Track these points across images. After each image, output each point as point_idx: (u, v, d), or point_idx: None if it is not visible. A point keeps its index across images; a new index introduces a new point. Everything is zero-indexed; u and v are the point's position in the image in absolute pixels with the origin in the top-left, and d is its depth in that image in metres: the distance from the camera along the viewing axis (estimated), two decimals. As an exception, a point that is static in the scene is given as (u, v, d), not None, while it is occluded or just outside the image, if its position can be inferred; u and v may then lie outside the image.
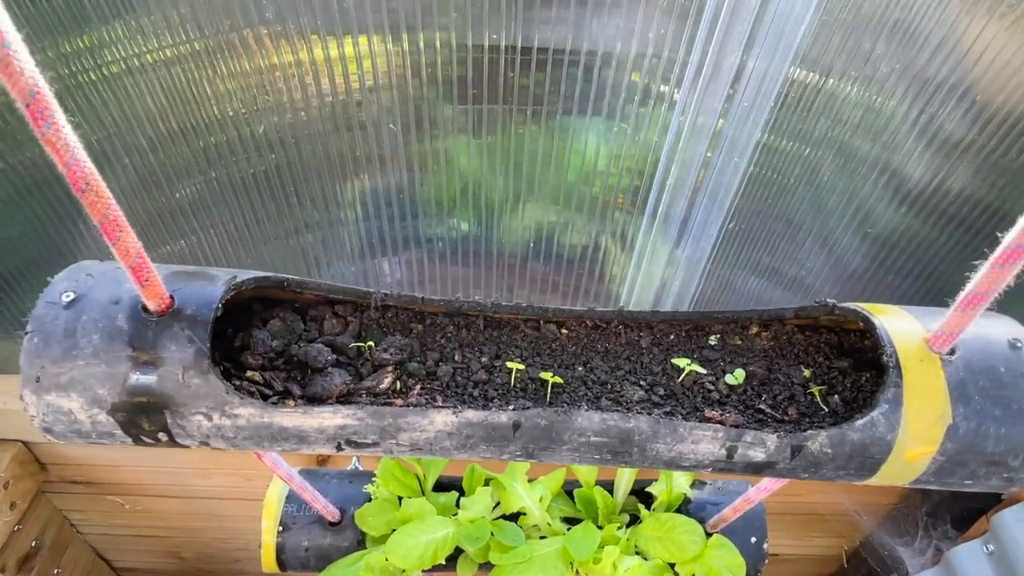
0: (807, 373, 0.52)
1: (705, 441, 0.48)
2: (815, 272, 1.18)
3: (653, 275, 1.22)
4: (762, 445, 0.48)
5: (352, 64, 0.92)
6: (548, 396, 0.50)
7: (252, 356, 0.50)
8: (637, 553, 0.78)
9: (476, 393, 0.50)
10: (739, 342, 0.54)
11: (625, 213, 1.14)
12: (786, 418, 0.50)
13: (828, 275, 1.17)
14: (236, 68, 0.90)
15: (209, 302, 0.47)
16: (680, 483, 0.83)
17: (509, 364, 0.51)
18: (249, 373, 0.49)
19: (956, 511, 1.00)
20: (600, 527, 0.79)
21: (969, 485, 0.50)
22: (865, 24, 0.85)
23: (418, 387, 0.50)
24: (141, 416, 0.47)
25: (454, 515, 0.79)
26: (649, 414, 0.48)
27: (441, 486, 0.86)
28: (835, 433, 0.47)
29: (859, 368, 0.53)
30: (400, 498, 0.82)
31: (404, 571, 0.74)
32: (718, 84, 0.93)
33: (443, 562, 0.75)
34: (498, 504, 0.82)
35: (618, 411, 0.48)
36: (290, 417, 0.47)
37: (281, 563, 0.81)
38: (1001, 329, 0.49)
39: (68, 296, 0.47)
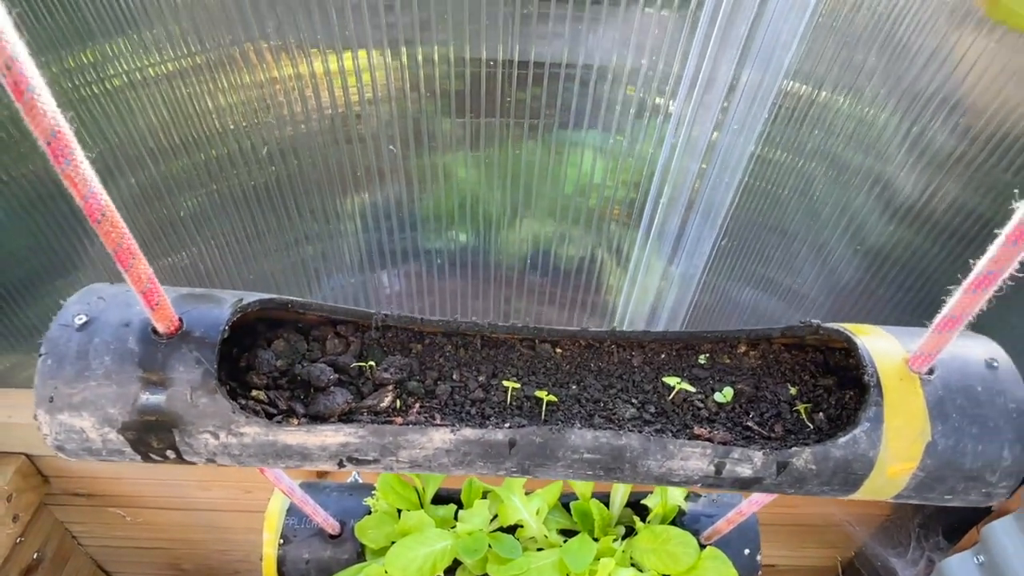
0: (793, 391, 0.55)
1: (694, 458, 0.50)
2: (810, 282, 1.20)
3: (648, 288, 1.25)
4: (749, 462, 0.50)
5: (352, 77, 0.94)
6: (543, 414, 0.52)
7: (257, 376, 0.52)
8: (632, 565, 0.80)
9: (473, 411, 0.52)
10: (728, 361, 0.56)
11: (621, 225, 1.16)
12: (772, 435, 0.52)
13: (823, 285, 1.19)
14: (237, 81, 0.92)
15: (216, 324, 0.49)
16: (675, 495, 0.85)
17: (505, 383, 0.53)
18: (254, 392, 0.51)
19: (947, 523, 1.02)
20: (596, 539, 0.81)
21: (949, 500, 0.52)
22: (857, 38, 0.88)
23: (417, 405, 0.52)
24: (150, 435, 0.49)
25: (452, 528, 0.81)
26: (640, 431, 0.50)
27: (440, 499, 0.88)
28: (819, 450, 0.49)
29: (843, 386, 0.55)
30: (399, 511, 0.84)
31: (403, 583, 0.76)
32: (712, 97, 0.96)
33: (441, 574, 0.77)
34: (496, 517, 0.84)
35: (610, 429, 0.50)
36: (294, 435, 0.49)
37: (282, 575, 0.83)
38: (979, 349, 0.52)
39: (81, 319, 0.49)
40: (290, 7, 0.85)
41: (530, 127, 1.03)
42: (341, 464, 0.51)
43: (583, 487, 0.87)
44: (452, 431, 0.49)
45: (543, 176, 1.09)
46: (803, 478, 0.50)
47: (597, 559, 0.77)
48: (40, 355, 0.49)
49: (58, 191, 1.00)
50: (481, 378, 0.54)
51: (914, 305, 1.12)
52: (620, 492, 0.87)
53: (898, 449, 0.49)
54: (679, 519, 0.86)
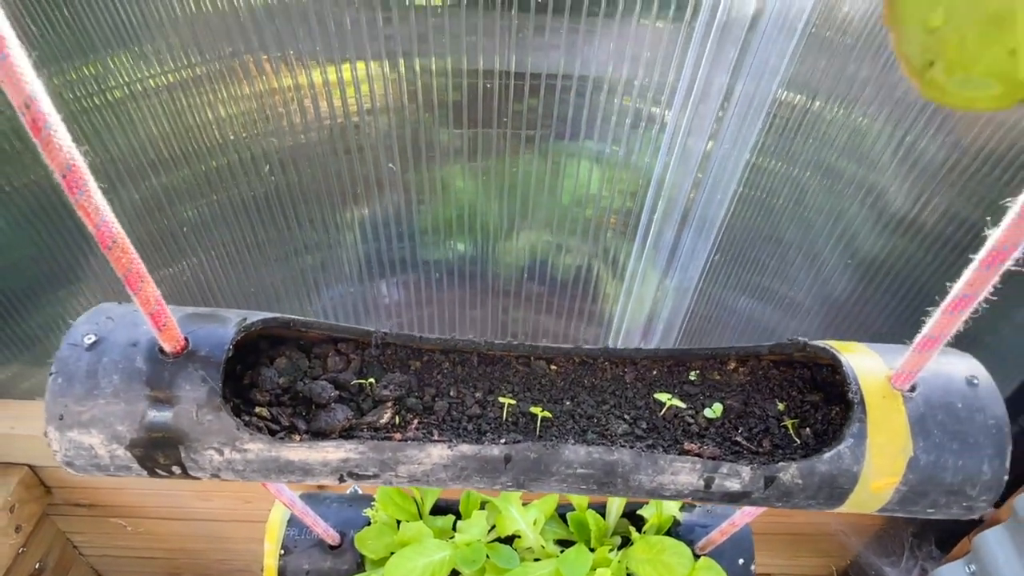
0: (781, 406, 0.57)
1: (684, 472, 0.52)
2: (804, 291, 1.22)
3: (645, 298, 1.27)
4: (737, 476, 0.52)
5: (350, 88, 0.96)
6: (538, 430, 0.54)
7: (260, 393, 0.54)
8: (628, 575, 0.82)
9: (470, 427, 0.54)
10: (718, 377, 0.59)
11: (618, 235, 1.18)
12: (760, 450, 0.54)
13: (817, 293, 1.21)
14: (237, 93, 0.95)
15: (221, 344, 0.51)
16: (670, 506, 0.87)
17: (501, 399, 0.55)
18: (257, 409, 0.54)
19: (940, 532, 1.04)
20: (592, 549, 0.83)
21: (932, 513, 0.54)
22: (849, 49, 0.90)
23: (416, 421, 0.54)
24: (157, 451, 0.51)
25: (451, 538, 0.83)
26: (632, 447, 0.52)
27: (438, 509, 0.90)
28: (805, 465, 0.51)
29: (830, 402, 0.57)
30: (398, 522, 0.86)
31: (402, 593, 0.78)
32: (707, 107, 0.98)
33: (440, 584, 0.79)
34: (493, 527, 0.86)
35: (603, 444, 0.52)
36: (296, 451, 0.51)
37: (282, 585, 0.85)
38: (960, 366, 0.54)
39: (90, 338, 0.51)
40: (289, 20, 0.87)
41: (527, 138, 1.05)
42: (342, 479, 0.53)
43: (579, 498, 0.89)
44: (449, 447, 0.51)
45: (540, 187, 1.11)
46: (790, 492, 0.52)
47: (593, 569, 0.79)
48: (50, 374, 0.51)
49: (60, 201, 1.01)
50: (478, 394, 0.56)
51: (908, 313, 1.14)
52: (616, 503, 0.89)
53: (881, 464, 0.51)
54: (674, 529, 0.88)
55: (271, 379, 0.55)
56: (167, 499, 1.20)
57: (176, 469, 0.52)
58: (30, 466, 1.11)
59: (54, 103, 0.37)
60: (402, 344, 0.59)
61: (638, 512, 0.90)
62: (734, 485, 0.52)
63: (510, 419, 0.55)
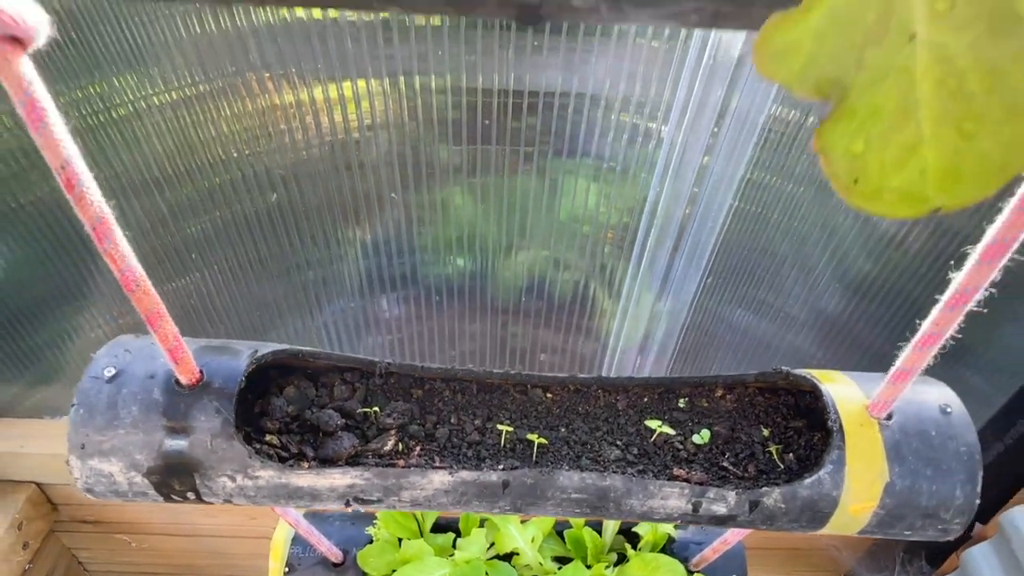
0: (766, 432, 0.60)
1: (673, 497, 0.55)
2: (800, 304, 1.25)
3: (642, 311, 1.30)
4: (723, 501, 0.55)
5: (351, 105, 1.00)
6: (534, 456, 0.58)
7: (270, 421, 0.58)
8: (624, 591, 0.85)
9: (470, 453, 0.58)
10: (706, 404, 0.62)
11: (616, 248, 1.22)
12: (746, 475, 0.58)
13: (812, 306, 1.25)
14: (239, 110, 0.98)
15: (234, 376, 0.55)
16: (665, 524, 0.90)
17: (499, 426, 0.59)
18: (268, 437, 0.57)
19: (930, 548, 1.07)
20: (589, 566, 0.86)
21: (909, 535, 0.57)
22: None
23: (418, 448, 0.58)
24: (173, 478, 0.54)
25: (451, 556, 0.87)
26: (623, 473, 0.56)
27: (439, 527, 0.94)
28: (787, 490, 0.55)
29: (812, 427, 0.61)
30: (400, 540, 0.89)
31: (404, 610, 0.81)
32: (703, 122, 1.01)
33: (440, 601, 0.82)
34: (492, 545, 0.89)
35: (596, 470, 0.56)
36: (305, 478, 0.54)
37: (286, 602, 0.88)
38: (934, 395, 0.57)
39: (110, 371, 0.55)
40: (292, 39, 0.90)
41: (526, 155, 1.09)
42: (348, 503, 0.56)
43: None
44: (450, 473, 0.55)
45: (538, 203, 1.14)
46: (773, 516, 0.56)
47: (589, 586, 0.82)
48: (72, 405, 0.54)
49: (66, 218, 1.05)
50: (477, 421, 0.60)
51: (903, 325, 1.17)
52: (612, 521, 0.93)
53: (859, 489, 0.54)
54: (669, 546, 0.91)
55: (280, 408, 0.58)
56: (172, 515, 1.23)
57: (191, 495, 0.56)
58: (37, 484, 1.14)
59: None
60: (404, 373, 0.62)
61: (634, 529, 0.93)
62: (720, 509, 0.55)
63: (508, 445, 0.59)
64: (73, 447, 0.54)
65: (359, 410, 0.59)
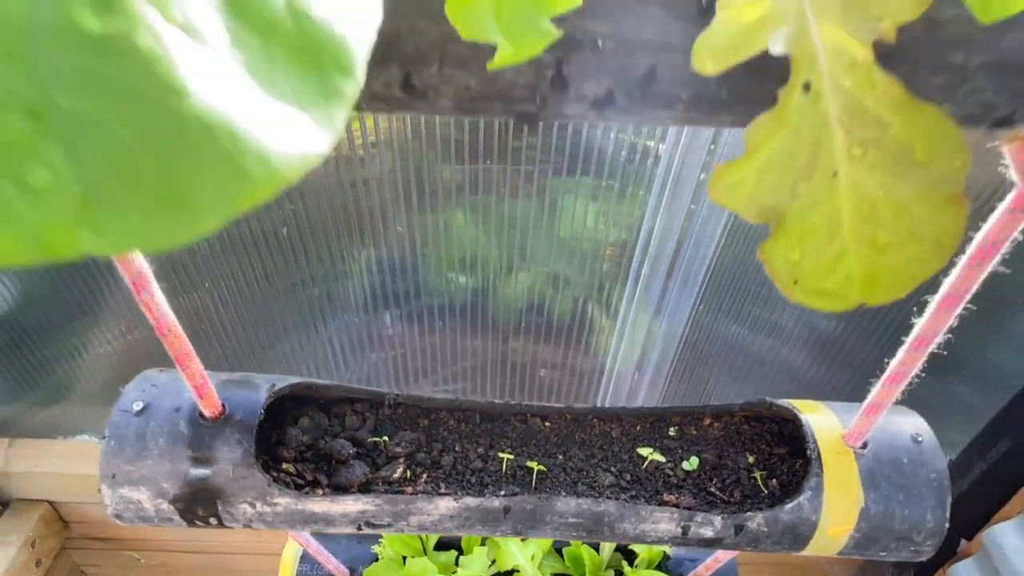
0: (751, 459, 0.65)
1: (663, 521, 0.60)
2: (793, 319, 1.30)
3: (638, 332, 1.35)
4: (711, 524, 0.60)
5: (355, 123, 1.05)
6: (533, 482, 0.62)
7: (286, 450, 0.62)
8: (620, 607, 0.89)
9: (473, 480, 0.62)
10: (695, 432, 0.67)
11: (614, 265, 1.26)
12: (732, 500, 0.62)
13: (807, 322, 1.29)
14: None
15: (254, 409, 0.60)
16: (660, 541, 0.95)
17: (501, 454, 0.64)
18: (284, 465, 0.62)
19: (918, 564, 1.11)
20: (587, 583, 0.91)
21: (884, 556, 0.62)
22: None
23: (425, 475, 0.62)
24: (197, 505, 0.59)
25: (454, 573, 0.91)
26: (617, 498, 0.60)
27: (442, 545, 0.98)
28: (770, 514, 0.59)
29: (794, 455, 0.65)
30: (404, 557, 0.93)
31: (409, 626, 0.86)
32: (700, 139, 1.06)
33: (444, 617, 0.87)
34: (494, 562, 0.94)
35: (591, 496, 0.61)
36: (320, 504, 0.59)
37: (295, 618, 0.93)
38: (907, 425, 0.62)
39: (138, 405, 0.60)
40: None
41: (526, 174, 1.13)
42: (359, 528, 0.61)
43: (575, 533, 0.97)
44: (455, 499, 0.59)
45: (539, 220, 1.19)
46: (757, 538, 0.60)
47: (587, 603, 0.86)
48: (104, 437, 0.59)
49: None
50: (480, 449, 0.65)
51: (895, 343, 1.21)
52: (609, 538, 0.97)
53: (836, 514, 0.59)
54: (664, 563, 0.96)
55: (296, 438, 0.63)
56: (181, 532, 1.27)
57: (213, 520, 0.60)
58: (50, 502, 1.19)
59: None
60: (411, 404, 0.67)
61: (630, 547, 0.97)
62: (708, 532, 0.60)
63: (509, 472, 0.63)
64: (104, 476, 0.58)
65: (369, 439, 0.64)
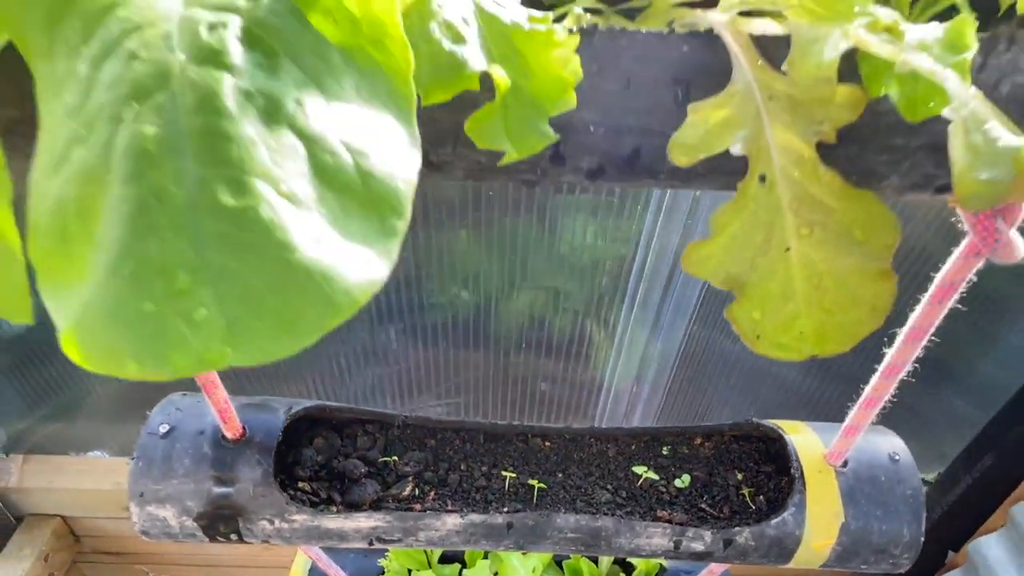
0: (740, 476, 0.69)
1: (657, 536, 0.64)
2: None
3: (635, 351, 1.40)
4: (701, 539, 0.64)
5: None
6: (535, 499, 0.67)
7: (302, 470, 0.67)
8: (618, 618, 0.94)
9: (478, 497, 0.67)
10: (686, 451, 0.71)
11: (613, 279, 1.31)
12: (721, 515, 0.67)
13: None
14: None
15: (273, 431, 0.64)
16: (656, 554, 0.99)
17: (504, 472, 0.68)
18: (300, 484, 0.66)
19: (908, 575, 1.16)
20: (586, 595, 0.95)
21: (865, 569, 0.66)
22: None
23: (432, 493, 0.67)
24: (219, 522, 0.63)
25: (458, 585, 0.95)
26: (613, 514, 0.65)
27: (446, 559, 1.02)
28: (756, 529, 0.64)
29: (780, 472, 0.70)
30: (410, 571, 0.98)
31: (415, 637, 0.90)
32: None
33: (449, 628, 0.91)
34: (496, 574, 0.98)
35: (589, 512, 0.65)
36: (335, 521, 0.63)
37: (304, 630, 0.97)
38: (885, 444, 0.67)
39: (164, 428, 0.64)
40: None
41: (527, 191, 1.18)
42: (371, 543, 0.66)
43: (574, 547, 1.01)
44: (461, 516, 0.64)
45: (540, 236, 1.24)
46: (745, 552, 0.65)
47: (586, 614, 0.90)
48: (133, 458, 0.63)
49: None
50: (484, 468, 0.69)
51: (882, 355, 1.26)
52: (608, 551, 1.01)
53: (819, 529, 0.63)
54: (660, 575, 1.00)
55: (311, 458, 0.67)
56: (190, 547, 1.31)
57: (233, 536, 0.65)
58: (63, 517, 1.23)
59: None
60: (419, 425, 0.71)
61: (628, 559, 1.02)
62: (699, 546, 0.65)
63: (511, 490, 0.68)
64: (133, 495, 0.63)
65: (380, 459, 0.69)
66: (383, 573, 0.98)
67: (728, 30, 0.30)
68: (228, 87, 0.17)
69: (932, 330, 0.51)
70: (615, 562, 1.03)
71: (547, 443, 0.72)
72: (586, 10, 0.34)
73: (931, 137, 0.34)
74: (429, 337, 1.40)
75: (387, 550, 1.01)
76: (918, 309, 0.51)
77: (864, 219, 0.27)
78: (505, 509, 0.65)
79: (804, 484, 0.64)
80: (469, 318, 1.37)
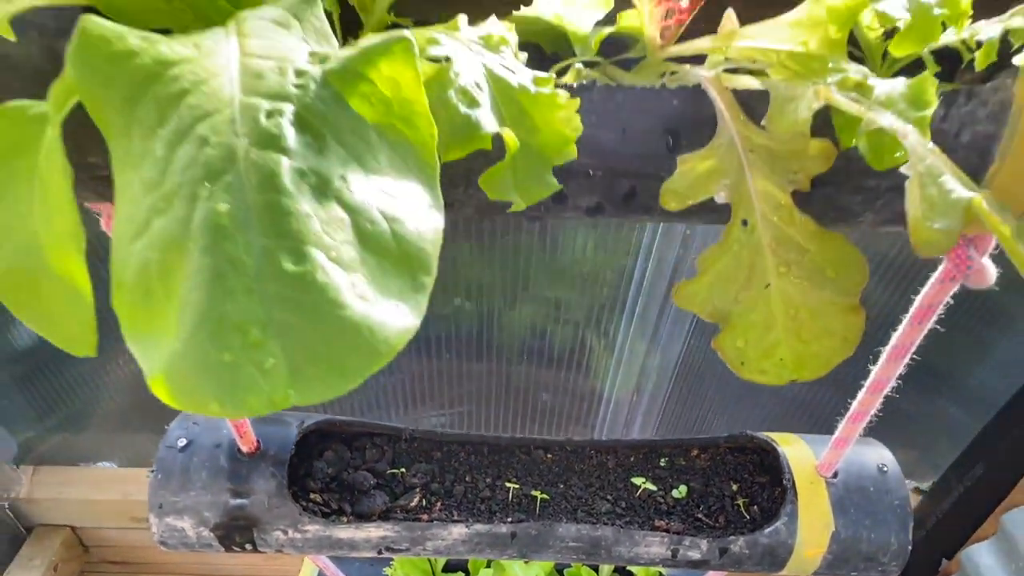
0: (735, 487, 0.73)
1: (655, 545, 0.67)
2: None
3: (635, 361, 1.43)
4: (698, 548, 0.67)
5: None
6: (537, 510, 0.70)
7: (313, 481, 0.70)
8: (619, 625, 0.97)
9: (483, 508, 0.70)
10: (683, 462, 0.75)
11: (613, 289, 1.35)
12: (717, 525, 0.70)
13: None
14: None
15: (286, 444, 0.67)
16: (656, 562, 1.02)
17: (507, 483, 0.71)
18: (312, 495, 0.69)
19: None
20: (587, 602, 0.98)
21: (855, 576, 0.69)
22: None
23: (439, 504, 0.70)
24: (235, 532, 0.66)
25: (461, 593, 0.98)
26: (613, 524, 0.68)
27: (450, 567, 1.05)
28: (750, 538, 0.67)
29: (773, 483, 0.73)
30: (415, 579, 1.00)
31: (420, 644, 0.93)
32: None
33: (453, 636, 0.94)
34: (499, 583, 1.01)
35: (589, 522, 0.68)
36: (345, 531, 0.67)
37: (311, 638, 1.00)
38: (873, 455, 0.70)
39: (182, 442, 0.67)
40: None
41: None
42: (380, 552, 0.69)
43: (575, 555, 1.04)
44: (467, 526, 0.67)
45: (541, 248, 1.27)
46: (740, 560, 0.68)
47: (587, 621, 0.93)
48: (152, 471, 0.67)
49: (96, 257, 1.17)
50: (488, 480, 0.72)
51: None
52: (608, 559, 1.04)
53: (810, 538, 0.67)
54: (660, 583, 1.03)
55: (322, 471, 0.70)
56: (197, 555, 1.34)
57: (248, 546, 0.68)
58: (72, 527, 1.26)
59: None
60: (426, 438, 0.75)
61: (628, 567, 1.04)
62: (695, 555, 0.68)
63: (515, 500, 0.71)
64: (152, 507, 0.66)
65: (388, 471, 0.72)
66: (388, 582, 1.01)
67: (713, 86, 0.33)
68: (285, 168, 0.21)
69: (913, 348, 0.55)
70: (615, 570, 1.06)
71: (549, 455, 0.75)
72: (585, 64, 0.38)
73: (899, 179, 0.38)
74: (432, 348, 1.43)
75: (392, 559, 1.04)
76: (900, 329, 0.54)
77: (836, 259, 0.30)
78: (509, 519, 0.68)
79: (796, 495, 0.67)
80: (472, 329, 1.41)
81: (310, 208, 0.20)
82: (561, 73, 0.39)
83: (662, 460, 0.75)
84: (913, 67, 0.40)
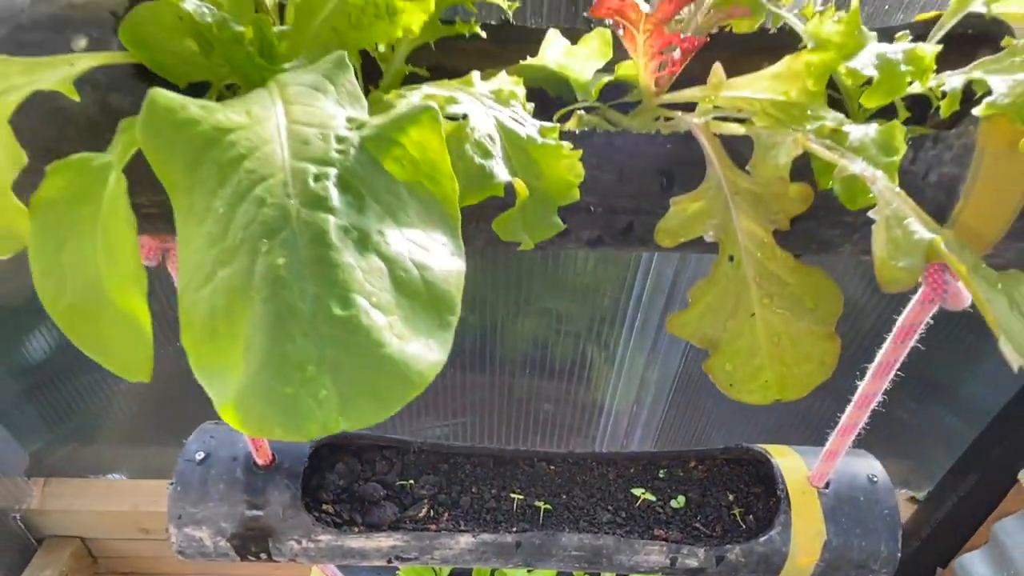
0: (731, 497, 0.76)
1: (654, 553, 0.71)
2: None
3: (635, 373, 1.46)
4: (695, 556, 0.71)
5: None
6: (541, 520, 0.73)
7: (325, 493, 0.73)
8: (620, 633, 0.99)
9: (488, 518, 0.73)
10: (681, 473, 0.78)
11: (613, 303, 1.38)
12: (714, 534, 0.73)
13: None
14: None
15: (300, 458, 0.71)
16: (656, 571, 1.05)
17: (512, 494, 0.75)
18: (324, 506, 0.73)
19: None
20: (589, 611, 1.01)
21: (847, 583, 0.73)
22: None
23: (446, 515, 0.73)
24: (251, 542, 0.70)
25: (466, 602, 1.01)
26: (614, 534, 0.71)
27: (455, 575, 1.08)
28: (746, 547, 0.70)
29: (768, 494, 0.76)
30: (420, 588, 1.03)
31: (426, 652, 0.95)
32: None
33: (458, 644, 0.96)
34: (503, 592, 1.04)
35: (591, 531, 0.71)
36: (357, 541, 0.70)
37: (319, 647, 1.02)
38: (863, 466, 0.73)
39: (200, 455, 0.71)
40: None
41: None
42: (390, 561, 0.72)
43: (577, 565, 1.07)
44: (473, 536, 0.70)
45: (543, 262, 1.31)
46: (736, 568, 0.71)
47: (589, 629, 0.96)
48: (171, 484, 0.70)
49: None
50: (493, 491, 0.76)
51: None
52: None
53: (803, 546, 0.70)
54: (660, 592, 1.06)
55: (334, 483, 0.74)
56: (203, 566, 1.37)
57: (263, 555, 0.71)
58: (81, 538, 1.28)
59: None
60: (433, 450, 0.78)
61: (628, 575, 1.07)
62: (693, 563, 0.71)
63: (519, 511, 0.74)
64: (171, 517, 0.69)
65: (397, 482, 0.75)
66: (394, 591, 1.04)
67: (702, 133, 0.37)
68: (332, 225, 0.24)
69: (897, 365, 0.58)
70: (616, 579, 1.08)
71: (552, 467, 0.78)
72: (586, 109, 0.42)
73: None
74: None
75: (398, 567, 1.07)
76: (884, 347, 0.57)
77: (814, 291, 0.34)
78: (514, 529, 0.71)
79: (789, 504, 0.70)
80: (475, 341, 1.44)
81: (353, 260, 0.24)
82: (565, 117, 0.42)
83: (661, 471, 0.78)
84: (888, 110, 0.43)
